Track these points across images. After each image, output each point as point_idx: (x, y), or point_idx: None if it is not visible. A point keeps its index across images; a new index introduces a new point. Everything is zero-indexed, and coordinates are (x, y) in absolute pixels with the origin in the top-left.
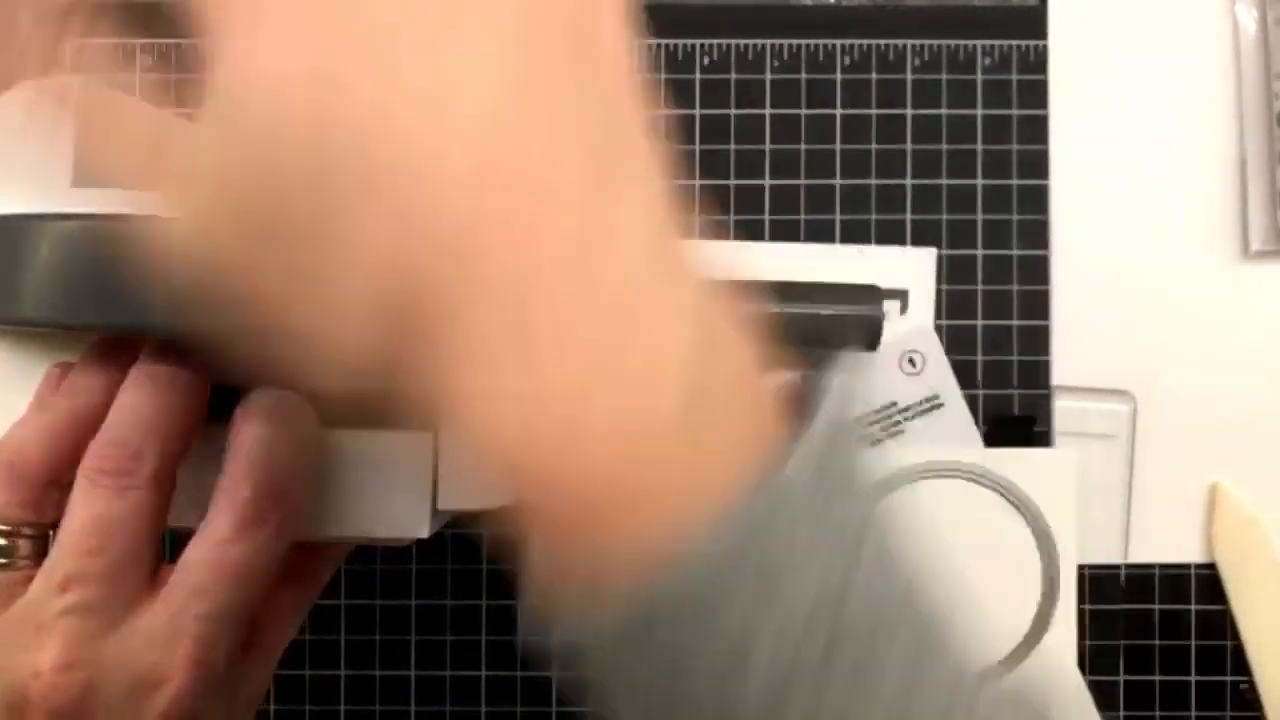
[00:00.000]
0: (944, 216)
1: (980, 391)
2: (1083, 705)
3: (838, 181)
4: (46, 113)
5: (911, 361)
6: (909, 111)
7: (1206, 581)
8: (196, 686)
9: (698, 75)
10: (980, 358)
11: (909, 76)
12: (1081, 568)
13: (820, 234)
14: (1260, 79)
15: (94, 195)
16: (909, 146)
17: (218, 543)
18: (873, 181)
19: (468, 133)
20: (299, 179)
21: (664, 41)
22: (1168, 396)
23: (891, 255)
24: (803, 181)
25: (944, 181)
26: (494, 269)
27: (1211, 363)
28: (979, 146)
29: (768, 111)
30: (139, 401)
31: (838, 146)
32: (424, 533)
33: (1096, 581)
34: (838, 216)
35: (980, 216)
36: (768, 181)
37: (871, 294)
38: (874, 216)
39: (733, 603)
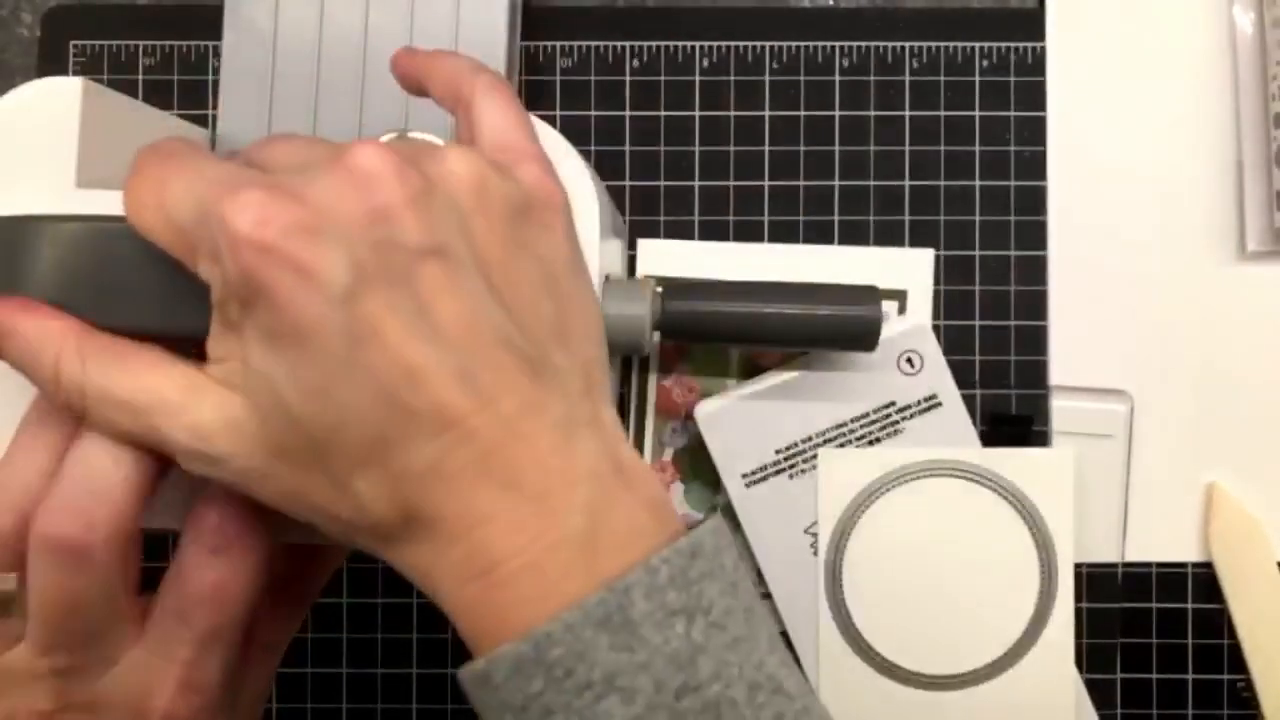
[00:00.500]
0: (942, 217)
1: (978, 391)
2: (1080, 704)
3: (836, 183)
4: (49, 113)
5: (910, 361)
6: (907, 113)
7: (1203, 580)
8: (192, 710)
9: (697, 77)
10: (978, 358)
11: (907, 78)
12: (1079, 566)
13: (819, 234)
14: (1257, 81)
15: (96, 196)
16: (907, 148)
17: (191, 569)
18: (871, 183)
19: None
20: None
21: (663, 44)
22: (1165, 396)
23: (890, 256)
24: (802, 183)
25: (942, 182)
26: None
27: (1209, 362)
28: (977, 148)
29: (767, 113)
30: (90, 461)
31: (836, 148)
32: None
33: (1094, 580)
34: (836, 217)
35: (978, 217)
36: (767, 182)
37: (870, 294)
38: (872, 217)
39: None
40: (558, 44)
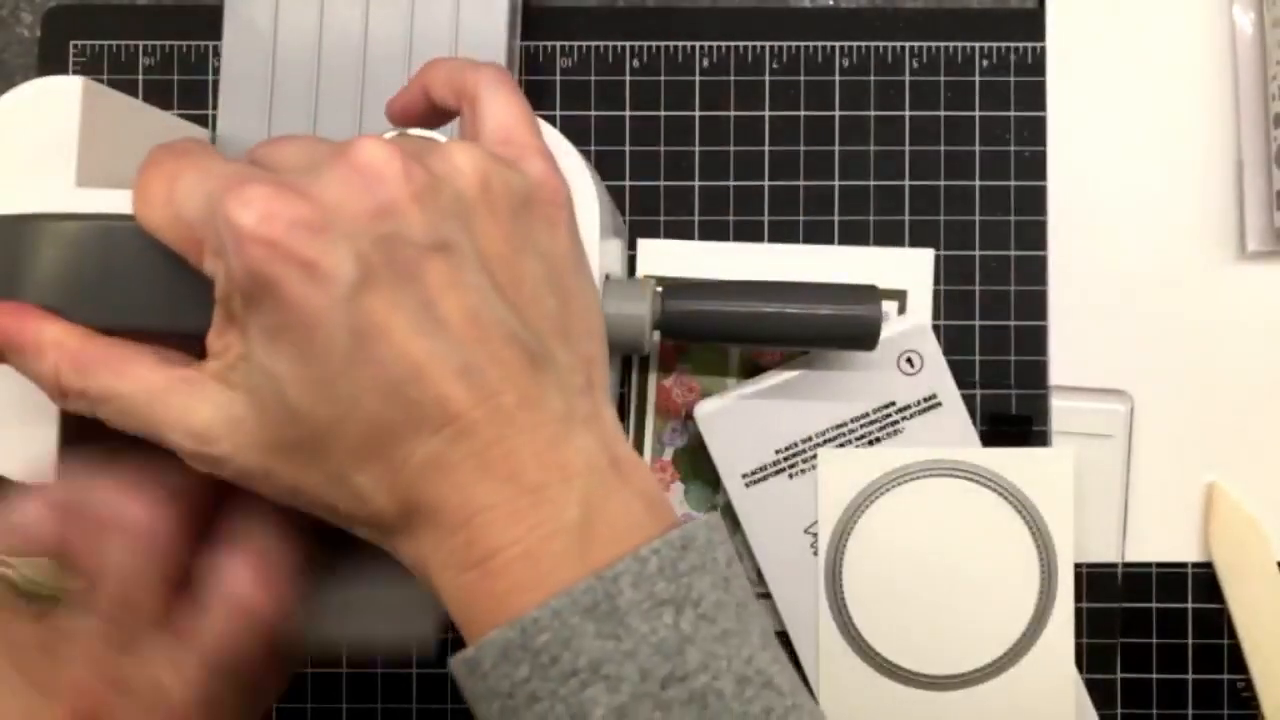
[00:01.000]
0: (942, 217)
1: (978, 391)
2: (1080, 704)
3: (836, 183)
4: (49, 113)
5: (910, 361)
6: (907, 113)
7: (1203, 580)
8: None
9: (697, 77)
10: (978, 357)
11: (907, 78)
12: (1079, 566)
13: (819, 235)
14: (1257, 81)
15: (96, 195)
16: (907, 148)
17: (239, 597)
18: (871, 183)
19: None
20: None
21: (663, 44)
22: (1165, 396)
23: (890, 256)
24: (802, 183)
25: (942, 182)
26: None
27: (1208, 363)
28: (977, 148)
29: (767, 113)
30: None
31: (836, 148)
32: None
33: (1094, 580)
34: (836, 217)
35: (978, 217)
36: (767, 183)
37: (870, 294)
38: (872, 217)
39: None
40: (558, 44)
